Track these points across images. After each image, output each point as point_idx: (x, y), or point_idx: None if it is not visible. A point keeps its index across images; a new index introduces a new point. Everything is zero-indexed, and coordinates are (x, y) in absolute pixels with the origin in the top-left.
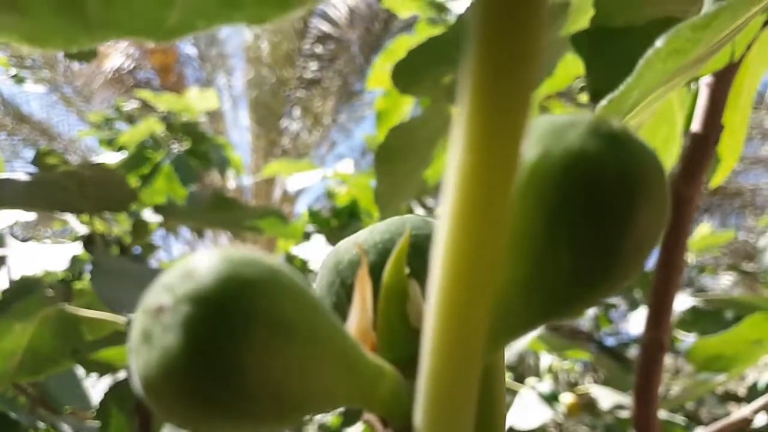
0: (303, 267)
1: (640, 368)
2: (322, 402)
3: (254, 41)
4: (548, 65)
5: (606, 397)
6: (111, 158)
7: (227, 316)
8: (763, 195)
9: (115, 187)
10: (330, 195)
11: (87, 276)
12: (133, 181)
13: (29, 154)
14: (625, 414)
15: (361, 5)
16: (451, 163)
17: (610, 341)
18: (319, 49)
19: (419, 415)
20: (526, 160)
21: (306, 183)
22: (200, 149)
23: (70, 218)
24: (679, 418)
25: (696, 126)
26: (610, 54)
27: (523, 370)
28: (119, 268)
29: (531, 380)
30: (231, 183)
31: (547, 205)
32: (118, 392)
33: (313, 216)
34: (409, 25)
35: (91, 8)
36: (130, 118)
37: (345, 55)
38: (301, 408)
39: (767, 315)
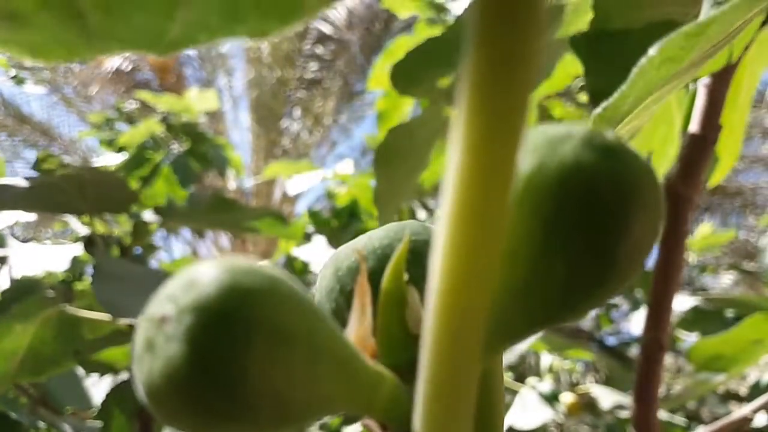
0: (304, 269)
1: (639, 368)
2: (323, 408)
3: (254, 42)
4: (546, 67)
5: (607, 397)
6: (112, 159)
7: (230, 326)
8: (763, 194)
9: (115, 189)
10: (330, 195)
11: (88, 277)
12: (134, 183)
13: (30, 154)
14: (626, 414)
15: (361, 6)
16: (449, 165)
17: (611, 341)
18: (319, 49)
19: (418, 421)
20: (521, 171)
21: (306, 186)
22: (200, 150)
23: (71, 219)
24: (680, 419)
25: (694, 126)
26: (609, 56)
27: (523, 369)
28: (120, 271)
29: (531, 380)
30: (231, 183)
31: (543, 215)
32: (120, 393)
33: (314, 216)
34: (409, 25)
35: (92, 20)
36: (130, 119)
37: (345, 56)
38: (301, 415)
39: None
